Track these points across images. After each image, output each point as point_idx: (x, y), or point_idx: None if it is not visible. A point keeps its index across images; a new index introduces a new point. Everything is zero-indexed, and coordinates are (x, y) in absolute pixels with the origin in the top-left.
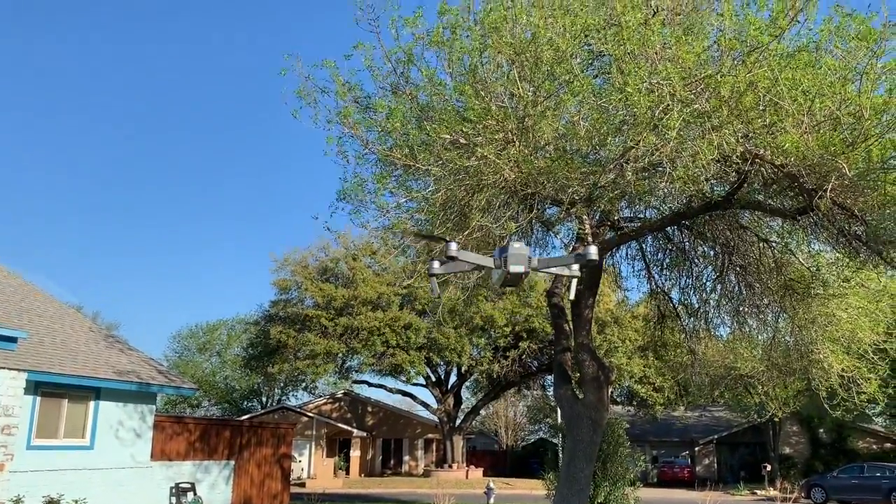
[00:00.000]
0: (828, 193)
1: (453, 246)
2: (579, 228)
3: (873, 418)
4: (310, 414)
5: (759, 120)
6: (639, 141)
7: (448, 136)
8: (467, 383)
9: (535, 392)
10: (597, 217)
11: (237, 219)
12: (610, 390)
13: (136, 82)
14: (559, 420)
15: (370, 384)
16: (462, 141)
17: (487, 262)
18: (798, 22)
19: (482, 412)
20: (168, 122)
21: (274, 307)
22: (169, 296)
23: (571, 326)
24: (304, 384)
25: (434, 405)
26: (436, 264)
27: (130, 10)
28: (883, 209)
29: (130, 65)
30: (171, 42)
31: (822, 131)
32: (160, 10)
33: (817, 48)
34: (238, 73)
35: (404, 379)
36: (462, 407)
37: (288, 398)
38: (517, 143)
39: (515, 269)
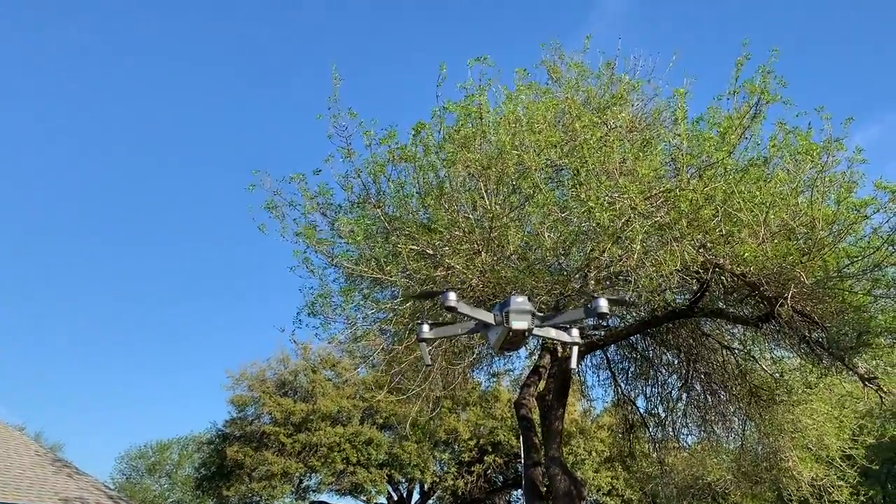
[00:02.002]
0: (788, 301)
1: (452, 296)
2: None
3: None
4: None
5: (717, 231)
6: (603, 251)
7: (415, 248)
8: (430, 501)
9: None
10: None
11: (190, 334)
12: None
13: (92, 193)
14: None
15: None
16: (429, 252)
17: (488, 317)
18: (746, 138)
19: None
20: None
21: (230, 425)
22: (116, 414)
23: (541, 439)
24: None
25: None
26: (425, 328)
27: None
28: (841, 316)
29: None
30: (139, 149)
31: (777, 241)
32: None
33: (765, 162)
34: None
35: (365, 499)
36: None
37: None
38: (483, 253)
39: (518, 325)
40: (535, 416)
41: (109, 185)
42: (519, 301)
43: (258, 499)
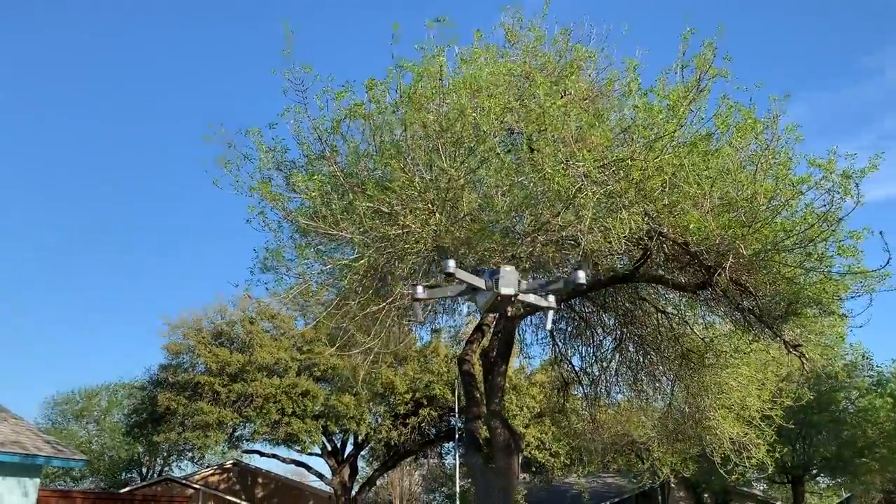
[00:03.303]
0: (726, 271)
1: (451, 263)
2: None
3: (753, 483)
4: (196, 486)
5: (662, 200)
6: (556, 216)
7: (371, 205)
8: (364, 452)
9: (432, 461)
10: None
11: (125, 278)
12: (520, 458)
13: (42, 147)
14: (455, 488)
15: (262, 454)
16: (384, 210)
17: (480, 283)
18: (692, 111)
19: (377, 482)
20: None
21: (163, 372)
22: (43, 361)
23: (481, 394)
24: (190, 455)
25: (329, 475)
26: (419, 289)
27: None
28: (774, 286)
29: (47, 134)
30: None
31: (719, 213)
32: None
33: (709, 135)
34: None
35: (299, 448)
36: (358, 477)
37: (171, 469)
38: (437, 213)
39: (506, 290)
40: (477, 372)
41: (61, 139)
42: (507, 270)
43: (190, 447)
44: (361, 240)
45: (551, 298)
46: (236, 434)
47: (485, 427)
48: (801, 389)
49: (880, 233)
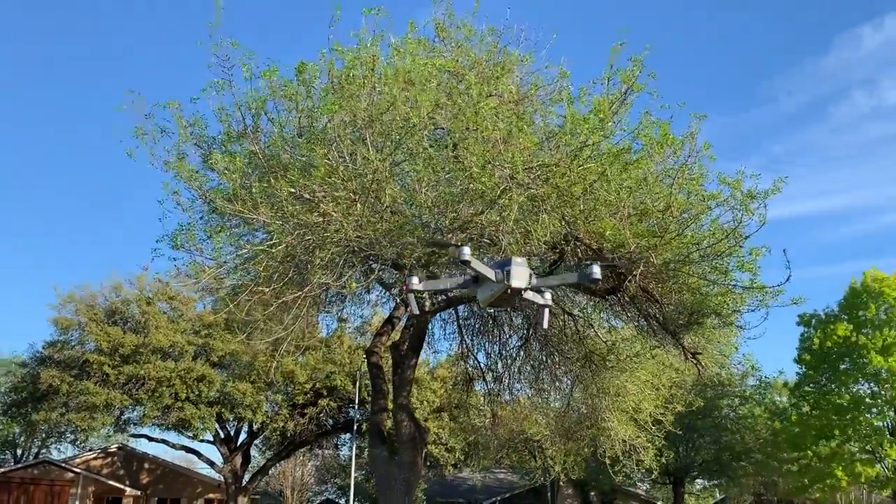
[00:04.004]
0: (637, 278)
1: (466, 250)
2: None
3: (637, 483)
4: (77, 470)
5: (579, 207)
6: (479, 214)
7: (292, 191)
8: (257, 441)
9: (327, 451)
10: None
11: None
12: (424, 452)
13: None
14: (350, 480)
15: (151, 439)
16: (305, 196)
17: (491, 274)
18: (615, 122)
19: (270, 471)
20: None
21: (49, 348)
22: None
23: (388, 386)
24: (72, 437)
25: (220, 463)
26: (415, 280)
27: None
28: (679, 296)
29: None
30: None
31: (635, 223)
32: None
33: (629, 149)
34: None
35: (191, 435)
36: (250, 466)
37: (49, 451)
38: (359, 205)
39: (517, 283)
40: (385, 364)
41: None
42: (519, 262)
43: (73, 428)
44: (280, 225)
45: (548, 296)
46: (124, 417)
47: (390, 420)
48: (691, 396)
49: (784, 251)
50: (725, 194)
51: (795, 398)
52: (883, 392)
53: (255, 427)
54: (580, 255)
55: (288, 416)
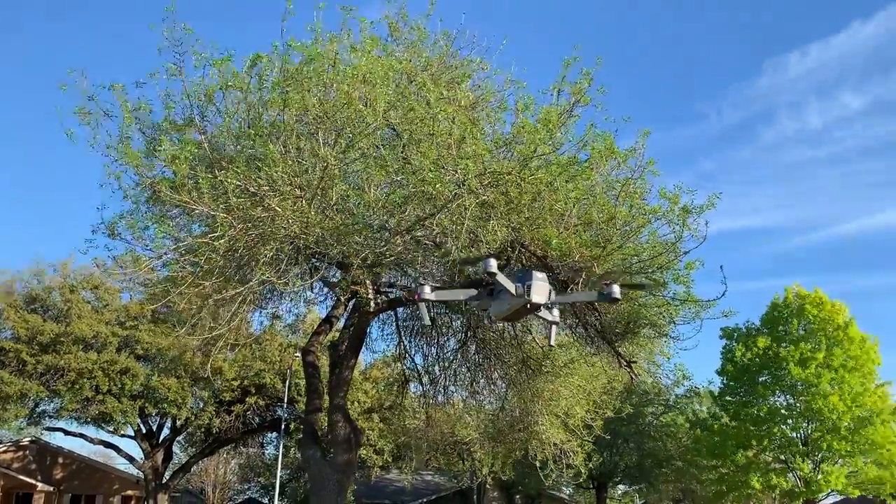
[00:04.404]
0: (579, 287)
1: (492, 262)
2: (362, 291)
3: (562, 487)
4: None
5: (526, 214)
6: (427, 217)
7: (238, 183)
8: (180, 438)
9: (252, 450)
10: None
11: None
12: (358, 453)
13: None
14: (276, 480)
15: (67, 432)
16: (251, 190)
17: (512, 288)
18: (560, 133)
19: (192, 468)
20: None
21: None
22: None
23: (324, 386)
24: None
25: (140, 459)
26: (427, 289)
27: None
28: (617, 305)
29: None
30: None
31: (579, 232)
32: None
33: (575, 160)
34: None
35: (111, 429)
36: (171, 462)
37: None
38: (304, 202)
39: (538, 299)
40: (321, 364)
41: None
42: (540, 277)
43: None
44: (224, 218)
45: (556, 312)
46: (39, 409)
47: (324, 420)
48: (619, 402)
49: (720, 266)
50: (665, 208)
51: (717, 408)
52: (798, 404)
53: (178, 423)
54: (524, 261)
55: (214, 412)
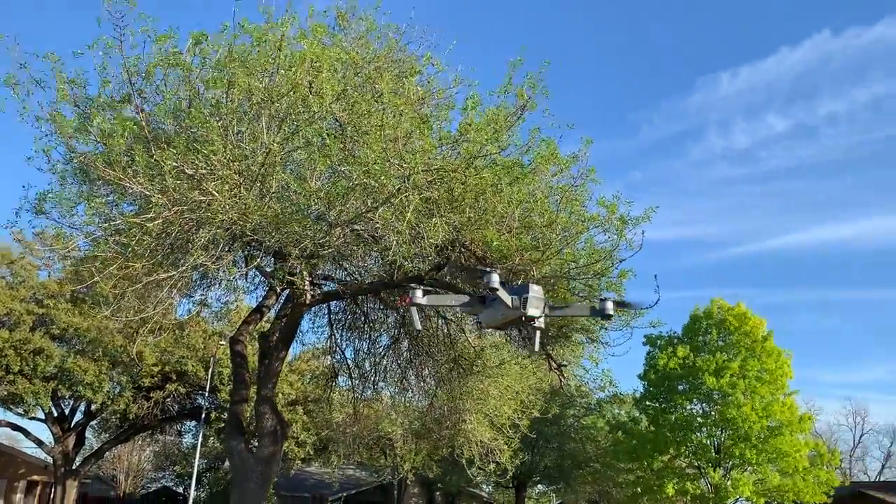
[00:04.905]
0: None
1: (495, 277)
2: (298, 282)
3: (482, 485)
4: None
5: (469, 214)
6: (370, 210)
7: (175, 164)
8: (95, 422)
9: (168, 438)
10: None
11: None
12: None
13: None
14: (191, 468)
15: None
16: (189, 172)
17: (509, 301)
18: (506, 135)
19: (105, 455)
20: None
21: None
22: None
23: (251, 376)
24: None
25: (50, 443)
26: (418, 293)
27: None
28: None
29: None
30: None
31: (519, 235)
32: None
33: (519, 163)
34: None
35: (21, 411)
36: (83, 448)
37: None
38: (243, 188)
39: (534, 312)
40: (249, 353)
41: None
42: (536, 290)
43: None
44: (160, 199)
45: (541, 321)
46: None
47: (250, 410)
48: (546, 403)
49: (655, 276)
50: (603, 216)
51: (637, 412)
52: (713, 413)
53: (93, 407)
54: (463, 260)
55: (131, 398)
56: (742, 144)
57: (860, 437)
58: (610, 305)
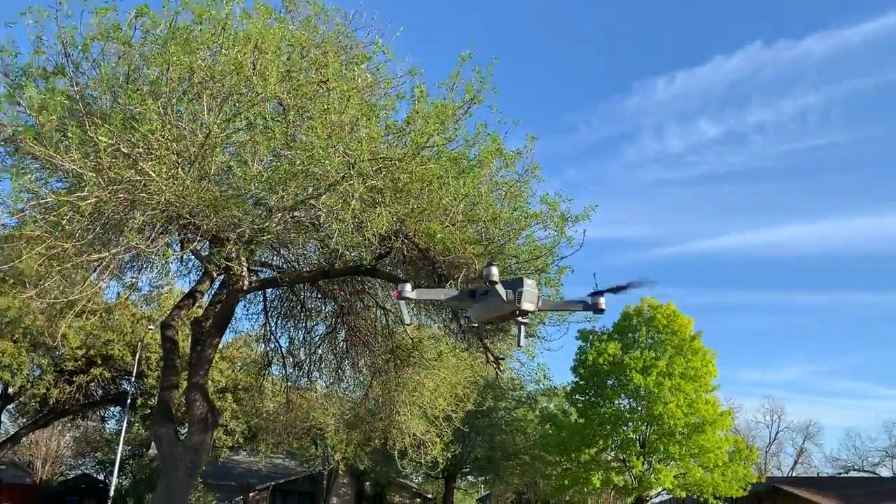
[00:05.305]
0: (457, 282)
1: (494, 270)
2: (235, 267)
3: (410, 475)
4: None
5: (413, 205)
6: (314, 197)
7: (110, 142)
8: (11, 406)
9: (91, 423)
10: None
11: None
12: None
13: None
14: (114, 455)
15: None
16: (125, 150)
17: (503, 295)
18: (454, 127)
19: (22, 440)
20: None
21: None
22: None
23: (182, 362)
24: None
25: None
26: (408, 287)
27: None
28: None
29: None
30: None
31: (463, 228)
32: None
33: (463, 156)
34: None
35: None
36: None
37: None
38: (181, 169)
39: (528, 307)
40: (181, 339)
41: None
42: (530, 284)
43: None
44: (93, 178)
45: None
46: None
47: (180, 397)
48: (481, 396)
49: (594, 274)
50: (545, 213)
51: (567, 405)
52: (640, 408)
53: (10, 391)
54: (406, 252)
55: (52, 382)
56: (675, 149)
57: (776, 435)
58: (602, 300)
